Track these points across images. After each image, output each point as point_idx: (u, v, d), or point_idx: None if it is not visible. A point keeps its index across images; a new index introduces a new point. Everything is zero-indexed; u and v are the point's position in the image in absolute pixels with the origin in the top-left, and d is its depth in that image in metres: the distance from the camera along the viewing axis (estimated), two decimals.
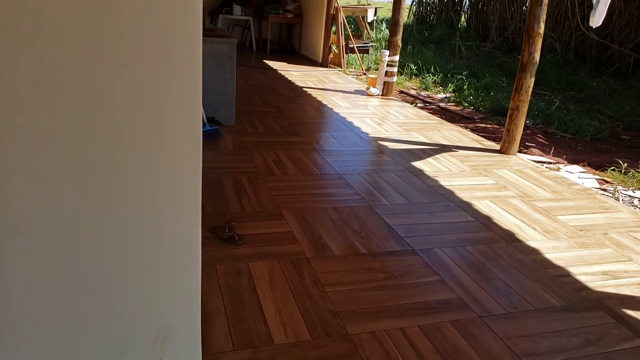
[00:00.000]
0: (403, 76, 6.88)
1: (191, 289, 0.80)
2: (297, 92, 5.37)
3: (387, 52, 5.36)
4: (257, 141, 3.59)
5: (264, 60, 7.19)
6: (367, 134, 4.03)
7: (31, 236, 0.73)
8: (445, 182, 3.11)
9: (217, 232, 2.21)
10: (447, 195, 2.92)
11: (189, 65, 0.73)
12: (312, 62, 7.36)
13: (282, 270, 2.00)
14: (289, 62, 7.22)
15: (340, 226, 2.41)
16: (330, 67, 7.11)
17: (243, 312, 1.72)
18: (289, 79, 6.08)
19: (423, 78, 6.75)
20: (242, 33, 8.39)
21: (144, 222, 0.77)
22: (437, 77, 6.71)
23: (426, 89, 6.39)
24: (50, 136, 0.68)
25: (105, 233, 0.77)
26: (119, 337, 0.79)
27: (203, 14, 7.36)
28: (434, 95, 6.07)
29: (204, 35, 3.66)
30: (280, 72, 6.46)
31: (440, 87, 6.48)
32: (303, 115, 4.45)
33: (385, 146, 3.76)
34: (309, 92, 5.41)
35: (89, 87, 0.70)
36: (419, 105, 5.43)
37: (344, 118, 4.46)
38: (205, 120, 3.55)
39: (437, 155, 3.63)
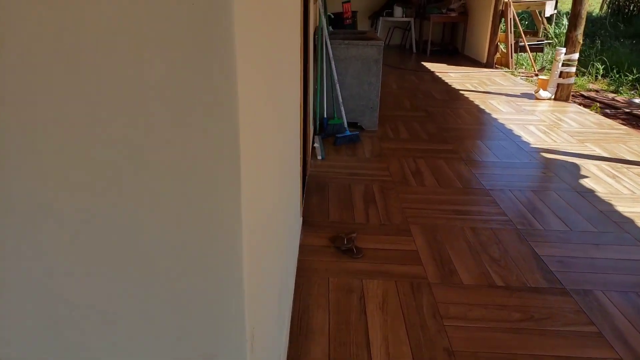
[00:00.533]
0: (585, 77, 5.96)
1: (236, 316, 0.70)
2: (452, 95, 5.01)
3: (563, 50, 4.67)
4: (397, 148, 3.40)
5: (422, 63, 6.91)
6: (528, 143, 3.54)
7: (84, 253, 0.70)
8: (623, 208, 2.54)
9: (337, 242, 2.10)
10: (624, 225, 2.36)
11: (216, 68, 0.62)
12: (475, 63, 6.85)
13: (398, 293, 1.81)
14: (448, 64, 6.83)
15: (476, 251, 2.11)
16: (496, 68, 6.52)
17: (347, 335, 1.58)
18: (446, 81, 5.72)
19: (612, 79, 5.76)
20: (402, 35, 8.22)
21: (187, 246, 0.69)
22: (632, 78, 5.65)
23: (615, 92, 5.42)
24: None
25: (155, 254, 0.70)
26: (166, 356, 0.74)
27: (362, 17, 7.39)
28: (626, 100, 5.11)
29: (351, 39, 3.61)
30: (437, 74, 6.13)
31: (634, 91, 5.44)
32: (454, 120, 4.11)
33: (550, 159, 3.25)
34: (465, 95, 5.01)
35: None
36: (603, 111, 4.62)
37: (502, 125, 4.00)
38: (346, 125, 3.49)
39: (616, 173, 3.00)
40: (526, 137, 3.67)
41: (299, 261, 1.98)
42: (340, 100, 3.45)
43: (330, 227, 2.27)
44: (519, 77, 6.05)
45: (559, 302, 1.78)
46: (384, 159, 3.18)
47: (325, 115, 3.58)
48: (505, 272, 1.96)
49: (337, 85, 3.44)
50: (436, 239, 2.19)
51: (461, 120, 4.11)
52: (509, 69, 6.45)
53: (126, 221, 0.70)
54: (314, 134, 3.52)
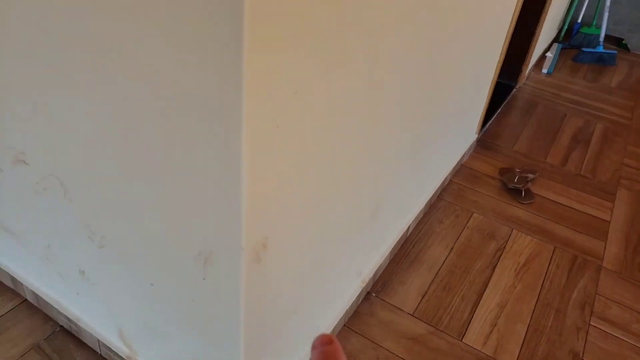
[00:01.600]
0: None
1: (232, 218, 0.58)
2: None
3: None
4: None
5: None
6: None
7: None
8: None
9: (506, 176, 1.73)
10: None
11: None
12: None
13: (551, 262, 1.42)
14: None
15: None
16: None
17: (458, 283, 1.34)
18: None
19: None
20: None
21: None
22: None
23: None
24: None
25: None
26: (169, 243, 0.69)
27: None
28: None
29: None
30: None
31: None
32: None
33: None
34: None
35: None
36: None
37: None
38: (602, 39, 2.68)
39: None
40: None
41: (450, 182, 1.70)
42: (608, 2, 2.61)
43: (510, 157, 1.87)
44: None
45: None
46: (634, 96, 2.40)
47: (578, 20, 2.81)
48: None
49: None
50: None
51: None
52: None
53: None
54: (553, 40, 2.84)
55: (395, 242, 1.37)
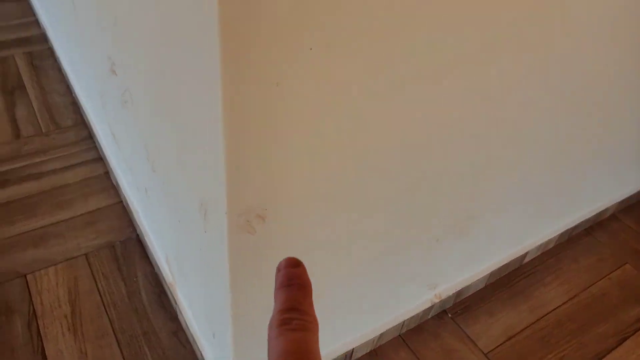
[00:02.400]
0: None
1: (217, 177, 0.53)
2: None
3: None
4: None
5: None
6: None
7: None
8: None
9: None
10: None
11: None
12: None
13: None
14: None
15: None
16: None
17: (558, 345, 1.05)
18: None
19: None
20: None
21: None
22: None
23: None
24: None
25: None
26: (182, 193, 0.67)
27: None
28: None
29: None
30: None
31: None
32: None
33: None
34: None
35: None
36: None
37: None
38: None
39: None
40: None
41: (610, 217, 1.34)
42: None
43: None
44: None
45: None
46: None
47: None
48: None
49: None
50: None
51: None
52: None
53: None
54: None
55: (500, 266, 1.13)
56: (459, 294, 1.09)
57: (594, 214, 1.27)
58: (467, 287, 1.10)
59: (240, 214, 0.58)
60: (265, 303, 0.73)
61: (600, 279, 1.18)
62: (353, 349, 0.94)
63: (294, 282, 0.27)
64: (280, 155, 0.54)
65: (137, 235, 1.14)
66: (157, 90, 0.65)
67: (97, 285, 1.06)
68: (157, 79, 0.64)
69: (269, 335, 0.24)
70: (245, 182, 0.54)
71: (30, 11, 1.89)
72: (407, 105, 0.61)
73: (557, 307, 1.12)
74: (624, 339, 1.06)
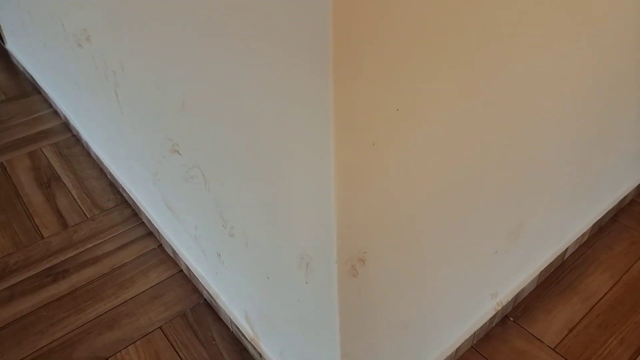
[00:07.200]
0: None
1: (325, 230, 0.61)
2: None
3: None
4: None
5: None
6: None
7: None
8: None
9: None
10: None
11: None
12: None
13: None
14: None
15: None
16: None
17: (616, 328, 1.12)
18: None
19: None
20: None
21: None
22: None
23: None
24: None
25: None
26: (280, 242, 0.75)
27: None
28: None
29: None
30: None
31: None
32: None
33: None
34: None
35: None
36: None
37: None
38: None
39: None
40: None
41: (631, 202, 1.43)
42: None
43: None
44: None
45: None
46: None
47: None
48: None
49: None
50: None
51: None
52: None
53: None
54: None
55: (547, 265, 1.21)
56: (516, 297, 1.16)
57: (617, 202, 1.37)
58: (522, 290, 1.17)
59: (347, 261, 0.65)
60: (368, 341, 0.80)
61: (638, 260, 1.27)
62: None
63: None
64: (379, 205, 0.63)
65: (205, 299, 1.20)
66: (244, 164, 0.73)
67: (178, 354, 1.10)
68: (247, 154, 0.71)
69: None
70: (351, 233, 0.62)
71: (46, 104, 1.98)
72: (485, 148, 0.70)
73: (605, 294, 1.19)
74: None
